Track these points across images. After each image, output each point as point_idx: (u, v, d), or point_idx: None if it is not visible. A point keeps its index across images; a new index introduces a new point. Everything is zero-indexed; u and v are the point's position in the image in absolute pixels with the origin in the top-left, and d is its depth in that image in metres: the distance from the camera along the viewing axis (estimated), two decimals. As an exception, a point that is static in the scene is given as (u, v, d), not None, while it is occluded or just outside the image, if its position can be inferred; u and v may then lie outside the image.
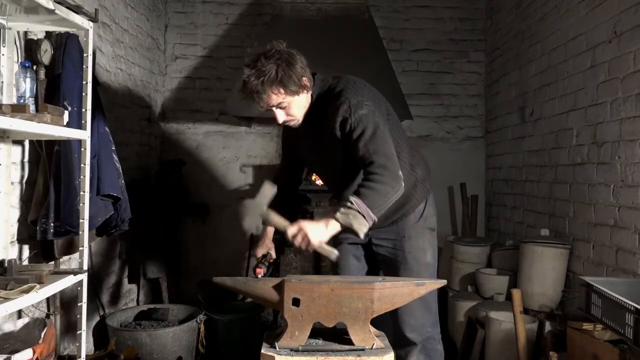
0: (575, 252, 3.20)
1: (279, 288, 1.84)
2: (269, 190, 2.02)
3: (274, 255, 2.23)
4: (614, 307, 1.97)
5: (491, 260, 3.93)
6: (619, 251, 2.76)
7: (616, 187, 2.78)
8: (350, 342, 1.83)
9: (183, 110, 4.69)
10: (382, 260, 2.32)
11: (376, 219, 1.88)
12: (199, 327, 3.31)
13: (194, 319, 3.31)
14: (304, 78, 2.00)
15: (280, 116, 2.05)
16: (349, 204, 1.84)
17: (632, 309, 1.85)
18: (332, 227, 1.87)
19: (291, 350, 1.81)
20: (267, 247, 2.23)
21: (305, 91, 2.04)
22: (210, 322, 3.45)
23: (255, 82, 1.92)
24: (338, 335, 1.88)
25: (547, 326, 2.97)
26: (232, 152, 4.71)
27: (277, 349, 1.81)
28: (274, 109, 2.03)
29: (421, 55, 4.78)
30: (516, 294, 2.85)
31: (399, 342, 2.26)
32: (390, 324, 2.23)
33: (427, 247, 2.27)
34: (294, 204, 2.61)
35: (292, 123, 2.10)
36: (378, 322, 1.96)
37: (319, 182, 4.13)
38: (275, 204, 2.34)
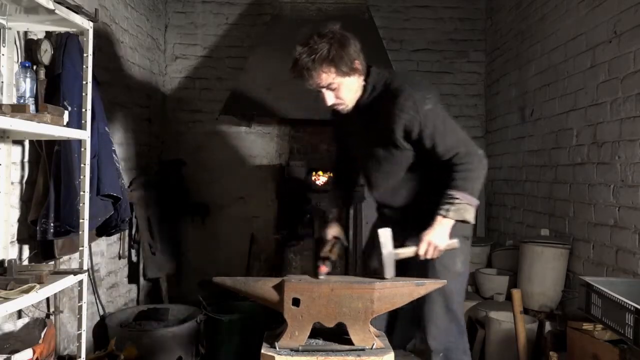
0: (575, 252, 3.20)
1: (279, 288, 1.84)
2: (385, 237, 1.97)
3: (345, 242, 2.27)
4: (614, 307, 1.97)
5: (491, 260, 3.93)
6: (619, 251, 2.76)
7: (616, 187, 2.78)
8: (350, 342, 1.83)
9: (183, 111, 4.69)
10: (410, 265, 2.22)
11: (479, 202, 2.02)
12: (199, 327, 3.31)
13: (194, 319, 3.30)
14: (356, 61, 1.96)
15: (330, 98, 1.99)
16: (456, 200, 1.94)
17: (632, 309, 1.85)
18: (448, 225, 1.97)
19: (291, 350, 1.81)
20: (337, 232, 2.27)
21: (357, 75, 1.99)
22: (210, 322, 3.44)
23: (307, 59, 1.89)
24: (338, 335, 1.88)
25: (547, 326, 2.97)
26: (232, 152, 4.71)
27: (277, 349, 1.81)
28: (323, 90, 1.97)
29: (421, 55, 4.79)
30: (516, 294, 2.85)
31: (423, 347, 2.24)
32: (385, 322, 2.22)
33: (457, 254, 2.15)
34: (349, 196, 2.56)
35: (340, 107, 2.04)
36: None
37: (319, 182, 4.13)
38: (339, 195, 2.42)
